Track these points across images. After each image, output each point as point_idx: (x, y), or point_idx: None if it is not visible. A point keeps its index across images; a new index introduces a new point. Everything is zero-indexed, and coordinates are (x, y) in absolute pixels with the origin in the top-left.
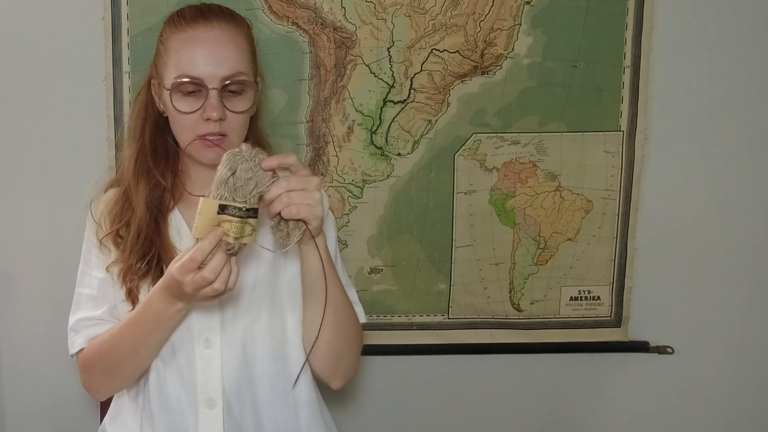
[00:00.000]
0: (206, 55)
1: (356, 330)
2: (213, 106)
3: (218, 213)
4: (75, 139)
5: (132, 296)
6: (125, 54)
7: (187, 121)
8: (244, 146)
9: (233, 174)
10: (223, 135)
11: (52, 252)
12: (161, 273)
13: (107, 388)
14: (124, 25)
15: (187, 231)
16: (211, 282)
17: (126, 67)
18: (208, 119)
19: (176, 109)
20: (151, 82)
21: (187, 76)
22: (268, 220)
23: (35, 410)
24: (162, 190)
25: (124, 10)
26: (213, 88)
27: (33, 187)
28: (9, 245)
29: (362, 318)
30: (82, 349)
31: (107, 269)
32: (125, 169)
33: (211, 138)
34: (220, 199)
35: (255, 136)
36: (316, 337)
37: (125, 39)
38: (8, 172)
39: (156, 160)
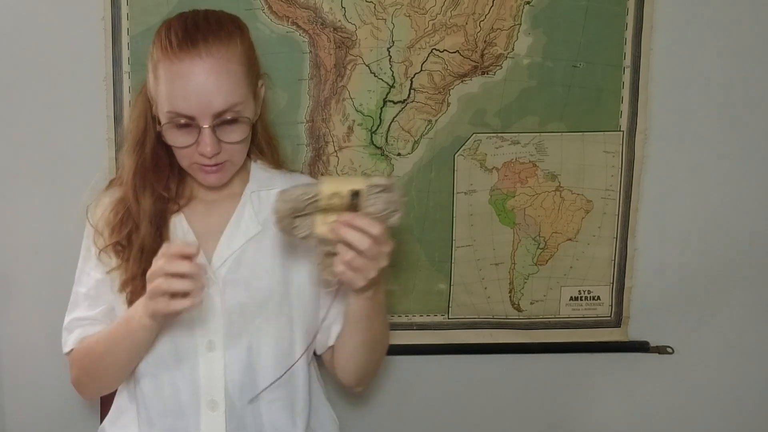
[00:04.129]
0: (196, 92)
1: (386, 349)
2: (206, 144)
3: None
4: (75, 139)
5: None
6: (125, 54)
7: (183, 152)
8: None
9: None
10: (219, 164)
11: (52, 252)
12: None
13: (93, 389)
14: (124, 25)
15: (193, 239)
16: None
17: (126, 67)
18: (203, 155)
19: (171, 143)
20: (148, 88)
21: (177, 114)
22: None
23: (35, 410)
24: (165, 201)
25: (124, 10)
26: (205, 127)
27: (33, 186)
28: (9, 245)
29: None
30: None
31: (108, 273)
32: (124, 180)
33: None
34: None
35: (264, 135)
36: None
37: (125, 39)
38: (8, 171)
39: (158, 173)
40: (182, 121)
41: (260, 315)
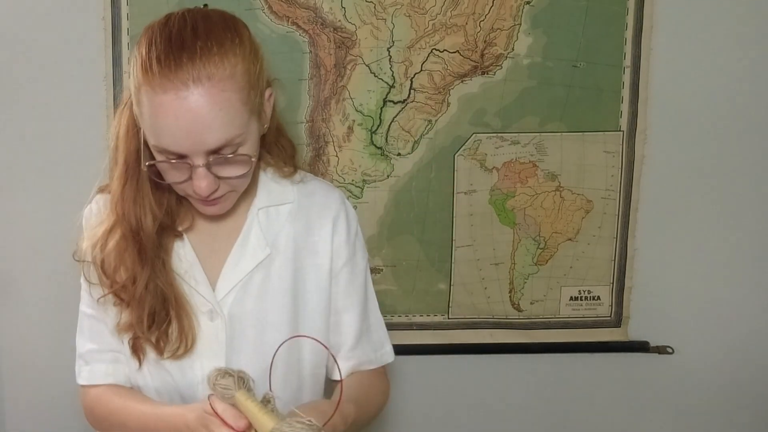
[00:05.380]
0: (185, 129)
1: (378, 410)
2: (201, 184)
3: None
4: (75, 139)
5: (138, 352)
6: (125, 54)
7: (178, 187)
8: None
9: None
10: (219, 198)
11: (52, 252)
12: (168, 323)
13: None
14: (124, 25)
15: (200, 269)
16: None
17: (126, 67)
18: (198, 194)
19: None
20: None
21: (166, 152)
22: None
23: (35, 410)
24: (169, 228)
25: (124, 10)
26: (198, 166)
27: (33, 187)
28: (9, 245)
29: (390, 357)
30: (89, 386)
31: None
32: (118, 210)
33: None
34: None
35: (275, 140)
36: None
37: (125, 39)
38: (8, 171)
39: (157, 195)
40: (172, 159)
41: (267, 355)
